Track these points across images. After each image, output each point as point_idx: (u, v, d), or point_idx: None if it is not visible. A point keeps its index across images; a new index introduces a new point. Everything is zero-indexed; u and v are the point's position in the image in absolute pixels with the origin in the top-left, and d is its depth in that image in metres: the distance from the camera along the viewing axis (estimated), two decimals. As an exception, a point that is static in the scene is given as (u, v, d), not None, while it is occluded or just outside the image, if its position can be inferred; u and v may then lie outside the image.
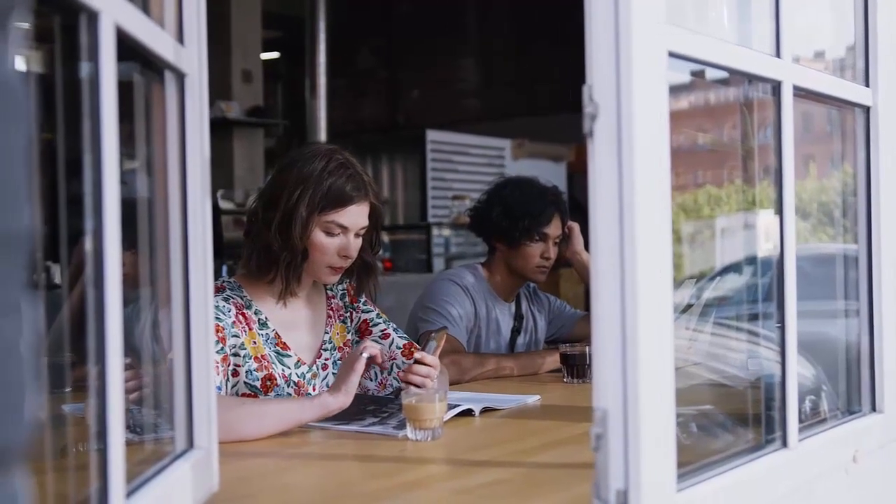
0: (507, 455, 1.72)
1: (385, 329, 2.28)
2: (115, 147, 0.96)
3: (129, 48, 1.05)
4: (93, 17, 0.93)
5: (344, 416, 1.98)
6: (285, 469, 1.64)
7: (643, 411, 1.09)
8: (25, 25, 0.60)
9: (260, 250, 2.09)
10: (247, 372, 2.04)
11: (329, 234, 2.07)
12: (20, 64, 0.57)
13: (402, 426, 1.84)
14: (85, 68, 0.95)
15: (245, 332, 2.07)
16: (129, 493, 1.03)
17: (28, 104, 0.57)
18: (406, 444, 1.78)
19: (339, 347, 2.25)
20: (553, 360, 2.74)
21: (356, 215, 2.09)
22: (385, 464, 1.66)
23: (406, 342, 2.27)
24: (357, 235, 2.11)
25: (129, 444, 1.01)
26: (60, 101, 1.01)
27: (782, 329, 1.45)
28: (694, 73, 1.37)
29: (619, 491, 1.10)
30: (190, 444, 1.30)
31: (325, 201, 2.05)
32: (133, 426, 1.31)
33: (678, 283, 1.21)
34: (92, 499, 0.95)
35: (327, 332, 2.23)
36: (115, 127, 0.96)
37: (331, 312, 2.26)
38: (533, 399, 2.27)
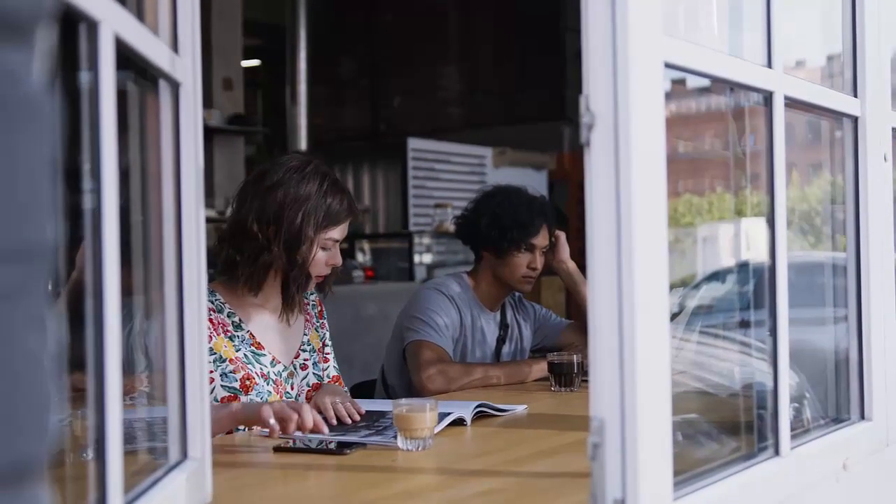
0: (500, 464, 1.71)
1: (328, 354, 2.39)
2: (114, 155, 0.95)
3: (124, 57, 1.05)
4: (93, 26, 0.93)
5: (339, 430, 1.97)
6: (278, 480, 1.63)
7: (641, 420, 1.10)
8: (49, 40, 0.60)
9: (262, 267, 2.14)
10: (222, 375, 2.09)
11: (325, 248, 2.19)
12: (44, 77, 0.57)
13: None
14: (84, 77, 0.94)
15: (214, 336, 2.11)
16: (126, 505, 1.02)
17: (53, 118, 0.56)
18: (397, 453, 1.77)
19: (318, 350, 2.33)
20: (540, 369, 2.74)
21: (346, 228, 2.23)
22: (377, 474, 1.65)
23: (336, 374, 2.39)
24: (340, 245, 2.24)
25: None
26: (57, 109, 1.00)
27: (774, 338, 1.45)
28: (675, 81, 1.37)
29: (616, 500, 1.10)
30: (184, 454, 1.29)
31: (327, 220, 2.17)
32: (125, 437, 1.30)
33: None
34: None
35: (306, 334, 2.31)
36: (114, 135, 0.96)
37: (308, 317, 2.34)
38: (521, 409, 2.27)
